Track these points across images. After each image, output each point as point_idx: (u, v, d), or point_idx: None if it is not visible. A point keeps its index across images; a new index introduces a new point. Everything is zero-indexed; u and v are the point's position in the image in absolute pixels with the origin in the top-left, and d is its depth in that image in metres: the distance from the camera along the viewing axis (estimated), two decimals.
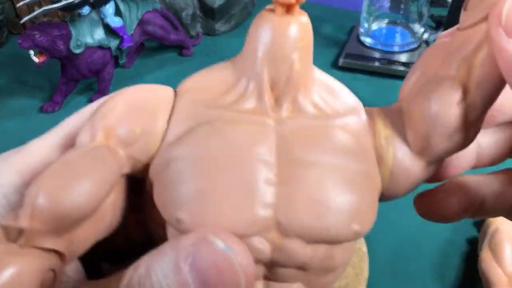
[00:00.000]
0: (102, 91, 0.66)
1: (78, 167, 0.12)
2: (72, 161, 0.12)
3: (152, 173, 0.13)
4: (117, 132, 0.13)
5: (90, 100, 0.66)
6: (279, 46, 0.13)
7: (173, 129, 0.13)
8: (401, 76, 0.69)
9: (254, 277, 0.11)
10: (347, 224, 0.12)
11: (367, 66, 0.70)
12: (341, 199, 0.12)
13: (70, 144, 0.14)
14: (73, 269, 0.14)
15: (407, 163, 0.14)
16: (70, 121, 0.16)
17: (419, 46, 0.73)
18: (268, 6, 0.13)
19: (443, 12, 0.79)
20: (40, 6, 0.60)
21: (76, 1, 0.58)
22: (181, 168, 0.12)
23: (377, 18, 0.75)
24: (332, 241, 0.12)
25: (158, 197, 0.13)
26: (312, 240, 0.12)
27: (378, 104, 0.64)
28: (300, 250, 0.12)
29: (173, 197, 0.12)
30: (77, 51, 0.61)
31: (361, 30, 0.75)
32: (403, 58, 0.70)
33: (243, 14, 0.86)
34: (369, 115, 0.15)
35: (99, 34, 0.63)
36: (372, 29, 0.75)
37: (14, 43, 0.73)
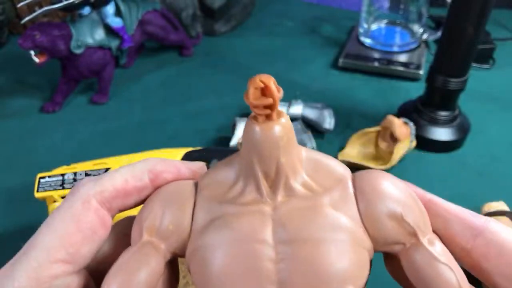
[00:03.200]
0: (102, 91, 0.66)
1: (134, 265, 0.16)
2: (127, 260, 0.16)
3: (187, 257, 0.17)
4: (156, 231, 0.17)
5: (91, 100, 0.67)
6: (266, 147, 0.16)
7: (197, 221, 0.17)
8: (400, 76, 0.69)
9: None
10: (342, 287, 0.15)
11: (366, 66, 0.70)
12: (334, 268, 0.15)
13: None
14: None
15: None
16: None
17: (418, 46, 0.73)
18: (252, 114, 0.16)
19: (442, 12, 0.79)
20: (40, 6, 0.61)
21: (77, 2, 0.59)
22: (204, 256, 0.16)
23: (377, 18, 0.75)
24: None
25: (193, 277, 0.17)
26: None
27: (378, 104, 0.63)
28: None
29: (202, 279, 0.16)
30: (78, 51, 0.61)
31: (361, 30, 0.75)
32: (402, 58, 0.70)
33: (243, 15, 0.86)
34: (354, 181, 0.17)
35: (100, 34, 0.63)
36: (372, 29, 0.75)
37: (15, 44, 0.74)
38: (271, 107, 0.16)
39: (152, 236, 0.17)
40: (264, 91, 0.15)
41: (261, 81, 0.15)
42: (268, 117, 0.16)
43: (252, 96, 0.15)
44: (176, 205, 0.17)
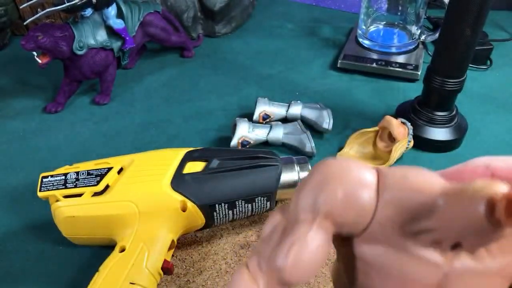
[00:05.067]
0: (104, 92, 0.67)
1: (309, 243, 0.16)
2: (305, 237, 0.16)
3: (354, 251, 0.17)
4: (335, 219, 0.16)
5: (93, 101, 0.67)
6: (481, 237, 0.14)
7: (371, 234, 0.16)
8: (398, 77, 0.70)
9: None
10: None
11: (365, 67, 0.71)
12: None
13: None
14: None
15: None
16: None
17: (416, 47, 0.74)
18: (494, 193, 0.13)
19: (440, 13, 0.80)
20: (43, 8, 0.61)
21: (79, 3, 0.59)
22: (367, 271, 0.16)
23: (375, 20, 0.76)
24: None
25: (350, 268, 0.17)
26: None
27: (376, 105, 0.64)
28: None
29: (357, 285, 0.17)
30: (80, 52, 0.61)
31: (359, 31, 0.76)
32: (400, 59, 0.71)
33: (243, 16, 0.87)
34: None
35: (102, 35, 0.64)
36: (370, 30, 0.76)
37: (18, 45, 0.74)
38: None
39: (326, 221, 0.16)
40: None
41: None
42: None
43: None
44: (360, 203, 0.16)
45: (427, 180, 0.16)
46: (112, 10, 0.64)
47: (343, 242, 0.17)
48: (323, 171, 0.17)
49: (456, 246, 0.15)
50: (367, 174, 0.17)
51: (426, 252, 0.15)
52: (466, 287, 0.15)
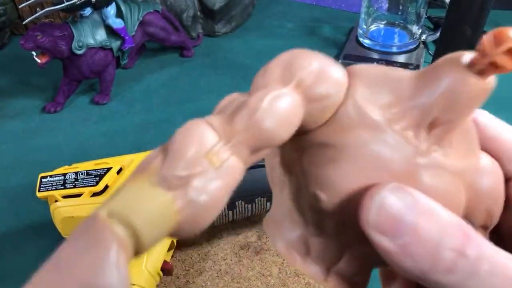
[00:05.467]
0: (104, 92, 0.67)
1: (284, 96, 0.14)
2: (279, 91, 0.14)
3: (314, 141, 0.15)
4: (307, 91, 0.14)
5: (92, 101, 0.67)
6: (458, 104, 0.14)
7: (344, 112, 0.15)
8: None
9: None
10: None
11: None
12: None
13: None
14: None
15: None
16: None
17: (417, 47, 0.74)
18: (465, 61, 0.14)
19: (441, 13, 0.80)
20: (42, 7, 0.61)
21: (78, 3, 0.59)
22: (338, 160, 0.15)
23: (376, 19, 0.76)
24: None
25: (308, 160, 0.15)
26: None
27: None
28: None
29: (320, 175, 0.15)
30: (79, 52, 0.61)
31: (360, 31, 0.76)
32: (401, 59, 0.71)
33: (243, 16, 0.87)
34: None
35: (101, 35, 0.64)
36: (371, 30, 0.76)
37: (17, 44, 0.74)
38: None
39: (297, 90, 0.14)
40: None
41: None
42: (484, 73, 0.14)
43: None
44: (334, 75, 0.15)
45: (399, 69, 0.15)
46: (111, 10, 0.64)
47: (295, 137, 0.15)
48: (291, 52, 0.15)
49: (430, 130, 0.14)
50: (334, 61, 0.16)
51: (402, 135, 0.14)
52: (432, 181, 0.14)
